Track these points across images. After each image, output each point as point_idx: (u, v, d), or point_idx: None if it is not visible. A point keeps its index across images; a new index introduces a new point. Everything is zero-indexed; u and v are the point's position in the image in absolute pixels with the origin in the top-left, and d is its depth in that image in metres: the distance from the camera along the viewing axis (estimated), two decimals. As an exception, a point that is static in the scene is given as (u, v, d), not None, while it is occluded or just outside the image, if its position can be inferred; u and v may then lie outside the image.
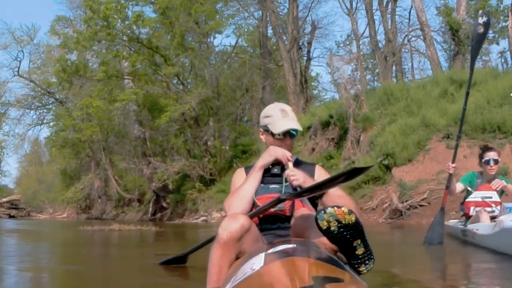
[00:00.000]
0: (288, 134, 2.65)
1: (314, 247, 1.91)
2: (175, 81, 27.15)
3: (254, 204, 2.52)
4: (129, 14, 26.01)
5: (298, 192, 2.23)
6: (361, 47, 29.60)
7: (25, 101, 36.97)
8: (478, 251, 5.12)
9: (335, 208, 1.83)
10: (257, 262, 1.74)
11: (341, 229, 1.84)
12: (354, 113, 16.00)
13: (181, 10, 24.82)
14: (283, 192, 2.47)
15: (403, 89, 17.43)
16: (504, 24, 21.97)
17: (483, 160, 5.90)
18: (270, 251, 1.84)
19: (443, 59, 28.48)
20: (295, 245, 1.88)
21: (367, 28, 26.94)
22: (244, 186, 2.54)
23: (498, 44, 27.88)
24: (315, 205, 2.58)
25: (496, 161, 5.84)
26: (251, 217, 2.32)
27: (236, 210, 2.43)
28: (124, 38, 25.99)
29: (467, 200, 5.99)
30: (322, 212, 1.84)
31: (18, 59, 35.99)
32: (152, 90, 25.93)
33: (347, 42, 32.92)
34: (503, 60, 28.22)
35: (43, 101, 37.86)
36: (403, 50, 28.11)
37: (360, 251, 1.90)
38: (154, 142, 29.82)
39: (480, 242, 5.35)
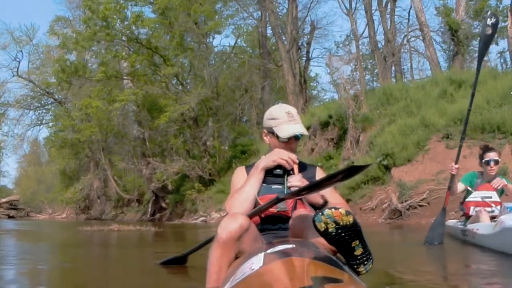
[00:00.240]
0: (294, 138, 2.66)
1: (313, 248, 1.91)
2: (174, 82, 27.17)
3: (256, 204, 2.52)
4: (128, 15, 26.08)
5: (296, 191, 2.23)
6: (360, 47, 29.57)
7: (24, 102, 36.98)
8: (478, 251, 5.12)
9: (333, 209, 1.83)
10: (256, 262, 1.74)
11: (339, 231, 1.84)
12: (354, 113, 16.00)
13: (180, 11, 24.84)
14: (285, 192, 2.48)
15: (403, 89, 17.43)
16: (503, 24, 21.96)
17: (483, 161, 5.89)
18: (269, 251, 1.84)
19: (442, 59, 28.50)
20: (294, 245, 1.87)
21: (366, 28, 26.94)
22: (245, 188, 2.53)
23: (497, 44, 27.88)
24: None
25: (496, 162, 5.84)
26: (251, 217, 2.32)
27: (240, 211, 2.42)
28: (123, 39, 26.00)
29: (467, 200, 5.99)
30: (320, 213, 1.83)
31: (17, 59, 36.03)
32: (151, 91, 25.94)
33: (346, 43, 32.91)
34: (502, 60, 28.24)
35: (42, 102, 37.87)
36: (402, 50, 28.11)
37: (358, 251, 1.90)
38: (153, 143, 29.82)
39: (480, 242, 5.34)
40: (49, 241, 9.75)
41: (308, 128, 18.41)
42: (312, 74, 37.66)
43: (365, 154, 14.88)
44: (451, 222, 6.94)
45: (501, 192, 5.85)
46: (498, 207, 5.64)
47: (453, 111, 13.42)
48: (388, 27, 25.49)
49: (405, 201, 11.92)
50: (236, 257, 2.14)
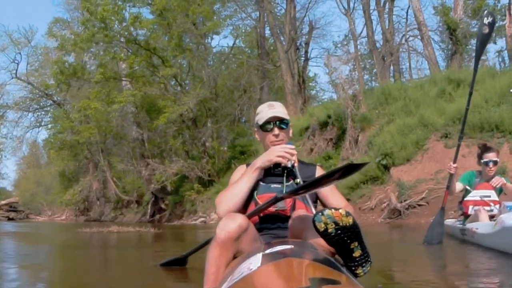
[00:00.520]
0: (276, 126, 2.65)
1: (311, 249, 1.91)
2: (173, 83, 27.16)
3: (255, 203, 2.52)
4: (127, 16, 26.08)
5: (295, 190, 2.23)
6: (358, 47, 29.58)
7: (23, 104, 36.98)
8: (478, 250, 5.12)
9: (333, 210, 1.83)
10: (254, 262, 1.74)
11: (339, 231, 1.84)
12: (352, 113, 16.00)
13: (179, 11, 24.82)
14: (284, 191, 2.45)
15: (401, 89, 17.43)
16: (501, 23, 21.98)
17: (482, 161, 5.90)
18: (267, 251, 1.83)
19: (440, 59, 28.51)
20: (292, 246, 1.87)
21: (365, 28, 26.95)
22: (238, 184, 2.53)
23: (495, 43, 27.87)
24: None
25: (495, 163, 5.85)
26: (250, 216, 2.32)
27: (226, 207, 2.44)
28: (122, 40, 26.00)
29: (465, 199, 6.00)
30: (320, 214, 1.83)
31: (16, 61, 36.06)
32: (150, 92, 25.93)
33: (345, 42, 32.85)
34: (500, 59, 28.24)
35: (41, 103, 37.88)
36: (400, 50, 28.12)
37: (357, 253, 1.90)
38: (152, 144, 29.81)
39: (479, 241, 5.35)
40: (48, 243, 9.75)
41: (307, 128, 18.45)
42: (311, 74, 37.71)
43: (364, 154, 14.88)
44: (449, 221, 6.94)
45: (500, 191, 5.85)
46: (497, 206, 5.64)
47: (452, 111, 13.42)
48: (386, 27, 25.51)
49: (404, 200, 11.91)
50: (235, 257, 2.14)
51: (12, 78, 36.20)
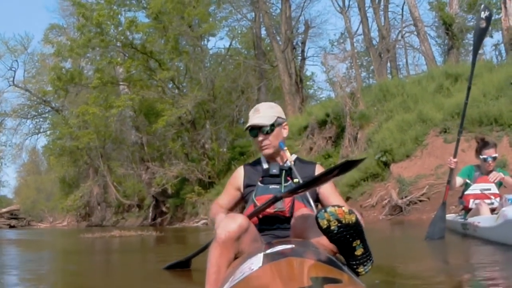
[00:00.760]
0: (260, 131, 2.67)
1: (312, 248, 1.91)
2: (170, 85, 27.17)
3: (254, 205, 2.53)
4: (122, 20, 26.07)
5: (294, 189, 2.23)
6: (355, 44, 29.62)
7: (21, 111, 36.94)
8: (480, 244, 5.13)
9: (336, 207, 1.84)
10: (255, 262, 1.74)
11: (341, 229, 1.84)
12: (351, 111, 16.01)
13: (174, 14, 24.83)
14: (282, 192, 2.46)
15: (399, 85, 17.43)
16: (497, 16, 21.99)
17: (481, 157, 5.90)
18: (268, 251, 1.84)
19: (437, 54, 28.52)
20: (293, 246, 1.88)
21: (361, 26, 27.01)
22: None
23: (492, 37, 27.87)
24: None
25: (494, 159, 5.86)
26: (250, 217, 2.33)
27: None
28: (118, 44, 26.01)
29: (466, 193, 6.00)
30: (323, 211, 1.84)
31: (13, 68, 36.04)
32: (147, 95, 25.92)
33: (341, 40, 32.86)
34: (497, 53, 28.30)
35: (39, 110, 37.81)
36: (397, 46, 28.18)
37: (359, 251, 1.90)
38: (152, 147, 29.80)
39: (482, 235, 5.34)
40: (51, 249, 9.74)
41: (305, 128, 18.44)
42: (308, 73, 37.65)
43: (364, 151, 14.88)
44: (450, 216, 6.94)
45: (500, 184, 5.86)
46: (498, 199, 5.66)
47: (450, 105, 13.42)
48: (382, 24, 25.56)
49: (405, 196, 11.91)
50: (236, 258, 2.15)
51: (10, 85, 36.20)
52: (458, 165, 5.99)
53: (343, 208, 1.84)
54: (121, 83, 28.68)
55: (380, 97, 17.10)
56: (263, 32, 27.65)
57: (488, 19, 5.85)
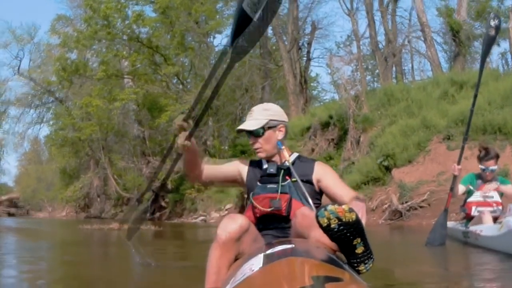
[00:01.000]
0: (252, 134, 2.68)
1: (313, 247, 1.90)
2: (174, 81, 27.19)
3: (252, 205, 2.53)
4: (129, 14, 26.10)
5: None
6: (361, 47, 29.54)
7: (25, 100, 37.03)
8: (481, 252, 5.11)
9: (336, 205, 1.83)
10: (256, 263, 1.74)
11: (341, 227, 1.83)
12: (354, 113, 15.97)
13: (181, 10, 24.84)
14: (279, 191, 2.50)
15: (404, 90, 17.39)
16: (504, 25, 21.93)
17: (480, 167, 5.91)
18: (269, 251, 1.83)
19: (443, 60, 28.43)
20: (294, 245, 1.87)
21: (367, 29, 26.95)
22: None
23: (498, 45, 27.73)
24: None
25: (492, 171, 5.87)
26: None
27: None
28: (124, 38, 26.03)
29: (468, 200, 5.97)
30: (323, 209, 1.83)
31: (18, 58, 36.12)
32: (151, 90, 25.96)
33: (347, 43, 32.82)
34: (503, 61, 28.24)
35: (43, 100, 37.85)
36: (403, 51, 28.14)
37: (359, 250, 1.89)
38: (154, 142, 29.81)
39: (484, 243, 5.32)
40: (49, 239, 9.75)
41: (308, 129, 18.41)
42: (313, 74, 37.56)
43: (366, 155, 14.86)
44: (450, 223, 6.91)
45: (501, 192, 5.86)
46: (500, 207, 5.65)
47: (454, 112, 13.39)
48: (389, 28, 25.50)
49: (406, 202, 11.87)
50: (236, 259, 2.14)
51: (15, 74, 36.33)
52: (461, 173, 5.98)
53: (343, 206, 1.83)
54: (125, 76, 28.70)
55: (384, 101, 17.07)
56: (270, 31, 27.61)
57: (497, 27, 5.85)
